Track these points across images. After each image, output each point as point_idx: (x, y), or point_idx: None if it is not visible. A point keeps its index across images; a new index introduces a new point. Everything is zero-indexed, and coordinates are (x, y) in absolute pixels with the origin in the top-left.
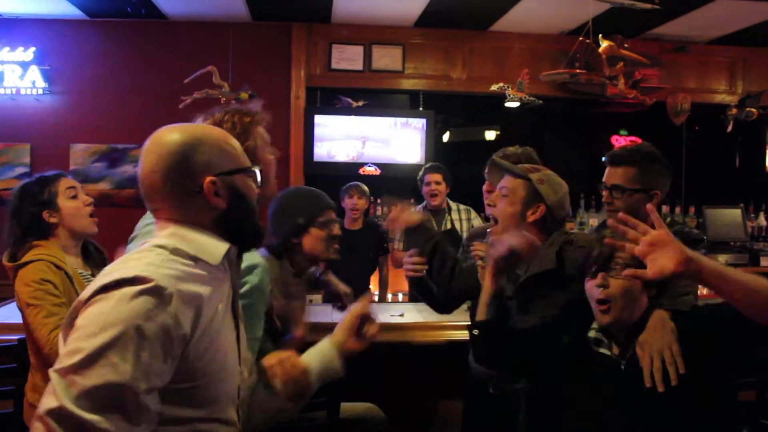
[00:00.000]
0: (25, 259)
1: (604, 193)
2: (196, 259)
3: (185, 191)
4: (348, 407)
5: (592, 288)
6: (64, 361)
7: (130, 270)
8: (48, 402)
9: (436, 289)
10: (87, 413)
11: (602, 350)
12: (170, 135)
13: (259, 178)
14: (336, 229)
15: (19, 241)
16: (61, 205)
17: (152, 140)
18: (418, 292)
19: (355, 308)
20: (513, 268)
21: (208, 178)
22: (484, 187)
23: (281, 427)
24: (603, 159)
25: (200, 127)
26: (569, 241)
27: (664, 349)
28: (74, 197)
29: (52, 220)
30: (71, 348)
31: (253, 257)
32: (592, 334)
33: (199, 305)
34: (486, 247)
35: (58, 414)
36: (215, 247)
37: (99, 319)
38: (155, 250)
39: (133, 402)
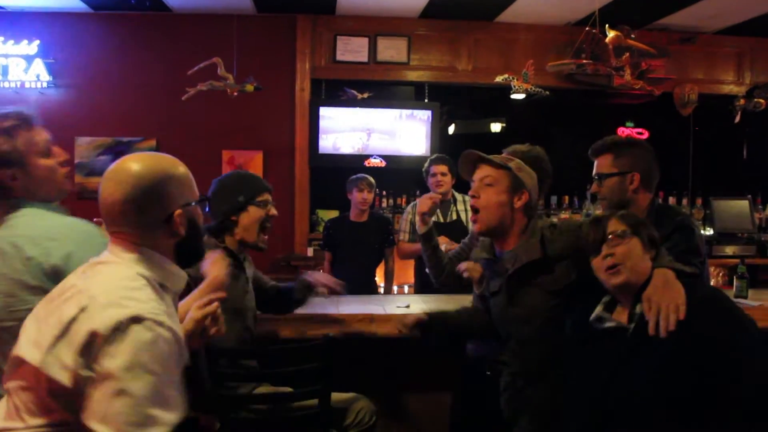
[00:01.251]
0: None
1: (593, 184)
2: (163, 287)
3: (153, 221)
4: (337, 396)
5: (599, 262)
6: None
7: (141, 305)
8: None
9: None
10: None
11: (608, 325)
12: (139, 166)
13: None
14: (272, 211)
15: None
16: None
17: (120, 169)
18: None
19: (198, 312)
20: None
21: (177, 211)
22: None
23: (274, 417)
24: (588, 154)
25: (165, 159)
26: (552, 224)
27: (670, 303)
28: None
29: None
30: (121, 401)
31: None
32: (595, 314)
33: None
34: (478, 267)
35: None
36: (178, 276)
37: (133, 361)
38: (139, 279)
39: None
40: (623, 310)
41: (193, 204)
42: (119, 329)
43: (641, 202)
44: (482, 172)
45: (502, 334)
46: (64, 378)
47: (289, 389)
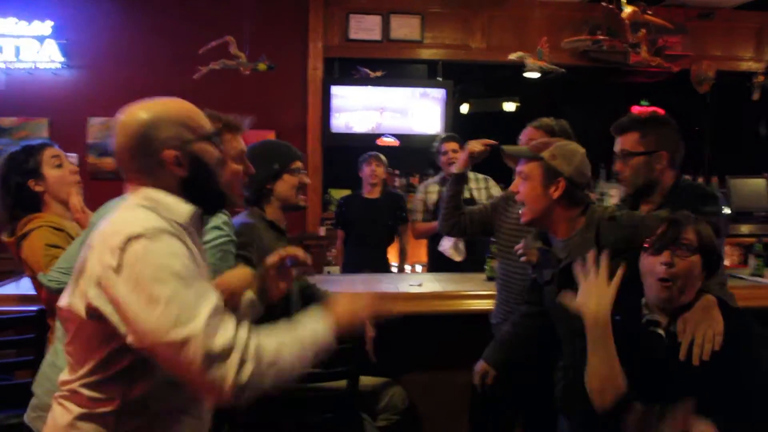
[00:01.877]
0: (25, 230)
1: (616, 162)
2: (168, 220)
3: (150, 164)
4: (366, 380)
5: (653, 264)
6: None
7: (131, 226)
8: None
9: None
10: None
11: (659, 330)
12: (132, 115)
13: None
14: (305, 179)
15: (14, 217)
16: (45, 173)
17: (118, 120)
18: None
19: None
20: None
21: (167, 152)
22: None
23: (303, 396)
24: (611, 131)
25: (160, 104)
26: (612, 217)
27: (707, 330)
28: (59, 166)
29: (38, 188)
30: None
31: (214, 220)
32: (647, 314)
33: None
34: (536, 252)
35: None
36: (182, 208)
37: (150, 268)
38: (138, 209)
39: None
40: (662, 317)
41: (194, 142)
42: (122, 250)
43: (667, 181)
44: (519, 165)
45: (555, 323)
46: (83, 311)
47: (316, 369)
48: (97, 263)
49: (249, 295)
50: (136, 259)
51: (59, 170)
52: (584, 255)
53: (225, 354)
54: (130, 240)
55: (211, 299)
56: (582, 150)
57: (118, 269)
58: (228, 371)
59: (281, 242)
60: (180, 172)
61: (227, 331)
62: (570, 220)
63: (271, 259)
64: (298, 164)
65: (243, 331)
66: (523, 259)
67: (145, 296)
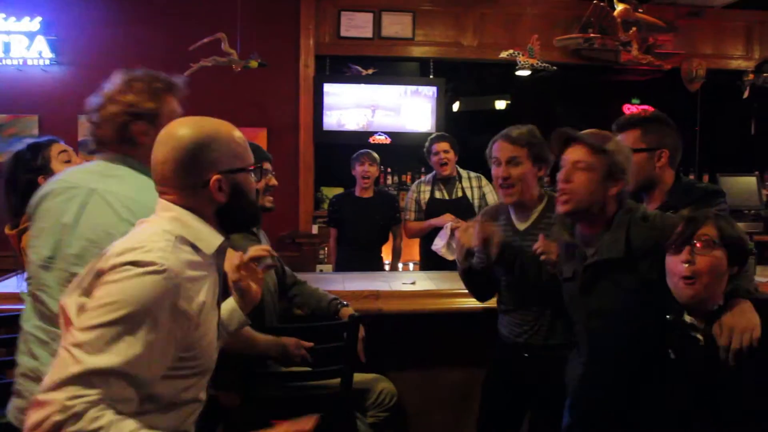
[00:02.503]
0: (28, 224)
1: None
2: (194, 247)
3: (192, 184)
4: (359, 377)
5: (676, 263)
6: (77, 336)
7: (146, 253)
8: (63, 372)
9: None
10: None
11: (698, 335)
12: (184, 129)
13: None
14: (273, 180)
15: (19, 212)
16: (55, 169)
17: (167, 131)
18: (468, 281)
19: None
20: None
21: (214, 176)
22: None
23: (298, 395)
24: (612, 128)
25: (213, 124)
26: (644, 217)
27: (745, 331)
28: (68, 161)
29: None
30: (86, 325)
31: None
32: (687, 318)
33: (199, 290)
34: (554, 248)
35: (80, 377)
36: (212, 239)
37: (116, 296)
38: (164, 234)
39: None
40: (699, 321)
41: (239, 171)
42: (115, 269)
43: (667, 180)
44: (575, 154)
45: (572, 317)
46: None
47: (309, 368)
48: (94, 272)
49: (231, 303)
50: (122, 279)
51: (68, 165)
52: (612, 253)
53: (76, 415)
54: (136, 263)
55: (123, 359)
56: (631, 154)
57: (102, 276)
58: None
59: (251, 243)
60: (220, 198)
61: (91, 397)
62: (608, 217)
63: (234, 261)
64: (267, 165)
65: (108, 414)
66: (543, 257)
67: (95, 312)
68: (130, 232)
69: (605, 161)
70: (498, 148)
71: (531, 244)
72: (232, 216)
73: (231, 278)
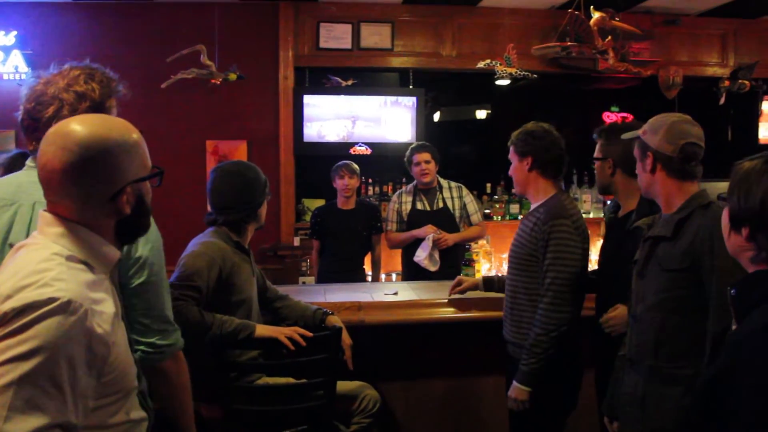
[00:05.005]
0: None
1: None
2: (87, 264)
3: (97, 196)
4: (342, 385)
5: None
6: None
7: (41, 289)
8: None
9: None
10: None
11: None
12: (86, 130)
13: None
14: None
15: None
16: None
17: (65, 133)
18: None
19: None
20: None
21: (127, 187)
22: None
23: (281, 407)
24: (593, 136)
25: (119, 126)
26: (705, 205)
27: None
28: None
29: None
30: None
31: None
32: None
33: (105, 308)
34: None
35: None
36: (108, 254)
37: (19, 347)
38: (54, 259)
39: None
40: None
41: (146, 180)
42: (10, 320)
43: (621, 187)
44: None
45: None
46: None
47: (291, 380)
48: None
49: None
50: (22, 328)
51: None
52: (658, 233)
53: None
54: (32, 306)
55: (51, 416)
56: (670, 118)
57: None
58: None
59: (246, 263)
60: (127, 211)
61: None
62: (673, 197)
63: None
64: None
65: None
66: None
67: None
68: (9, 260)
69: (637, 145)
70: None
71: None
72: (132, 227)
73: None
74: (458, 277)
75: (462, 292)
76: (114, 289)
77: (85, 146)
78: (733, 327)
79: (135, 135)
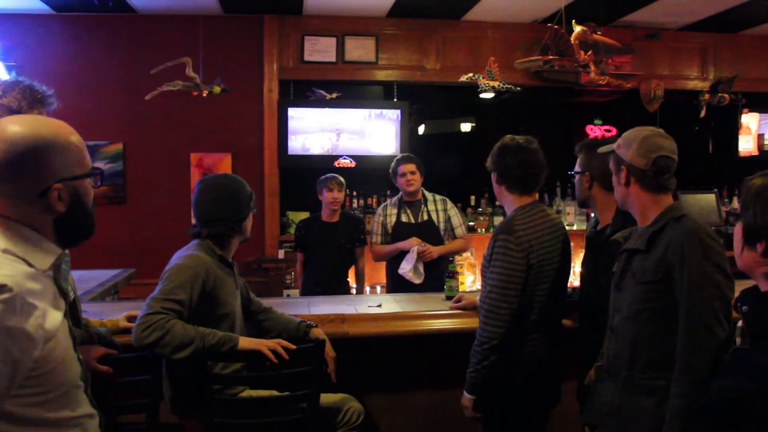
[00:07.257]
0: None
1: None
2: (24, 260)
3: (27, 191)
4: (326, 397)
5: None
6: None
7: None
8: None
9: None
10: None
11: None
12: (17, 128)
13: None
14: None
15: None
16: None
17: None
18: None
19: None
20: None
21: (54, 185)
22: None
23: (263, 420)
24: (575, 150)
25: (50, 125)
26: (678, 217)
27: None
28: None
29: None
30: None
31: None
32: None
33: (39, 303)
34: None
35: None
36: (46, 253)
37: None
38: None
39: None
40: None
41: (81, 178)
42: None
43: (599, 200)
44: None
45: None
46: None
47: (275, 392)
48: None
49: None
50: None
51: None
52: (634, 246)
53: None
54: None
55: None
56: (643, 131)
57: None
58: None
59: (230, 276)
60: (60, 208)
61: None
62: (646, 211)
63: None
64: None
65: None
66: None
67: None
68: None
69: (612, 158)
70: None
71: None
72: (71, 227)
73: None
74: (459, 294)
75: (463, 308)
76: (57, 290)
77: (11, 142)
78: (737, 340)
79: (72, 137)
